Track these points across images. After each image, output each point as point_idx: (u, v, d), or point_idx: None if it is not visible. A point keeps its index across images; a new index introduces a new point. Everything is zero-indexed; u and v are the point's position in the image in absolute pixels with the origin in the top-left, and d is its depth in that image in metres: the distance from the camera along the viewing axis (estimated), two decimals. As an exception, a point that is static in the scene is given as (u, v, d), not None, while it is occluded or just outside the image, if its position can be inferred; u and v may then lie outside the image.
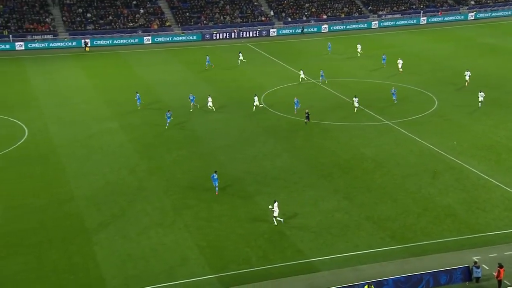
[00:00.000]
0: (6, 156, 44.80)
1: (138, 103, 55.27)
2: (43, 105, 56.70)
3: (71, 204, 38.09)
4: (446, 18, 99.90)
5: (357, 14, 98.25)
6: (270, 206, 35.83)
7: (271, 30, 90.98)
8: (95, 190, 39.78)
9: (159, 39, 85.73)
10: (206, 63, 70.28)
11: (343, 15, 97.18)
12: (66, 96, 59.58)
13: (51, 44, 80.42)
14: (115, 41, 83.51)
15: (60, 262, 31.87)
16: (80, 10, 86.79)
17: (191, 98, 55.38)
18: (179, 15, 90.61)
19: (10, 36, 79.54)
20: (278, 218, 35.84)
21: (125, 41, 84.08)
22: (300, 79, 64.07)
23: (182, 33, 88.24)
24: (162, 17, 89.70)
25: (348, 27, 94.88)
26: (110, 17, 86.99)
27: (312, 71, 67.22)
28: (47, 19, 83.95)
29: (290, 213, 37.21)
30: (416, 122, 52.55)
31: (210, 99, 55.70)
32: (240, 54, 72.42)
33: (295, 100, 54.61)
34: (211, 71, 69.74)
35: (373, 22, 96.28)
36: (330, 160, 44.99)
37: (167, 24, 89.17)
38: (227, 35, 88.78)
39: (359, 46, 76.49)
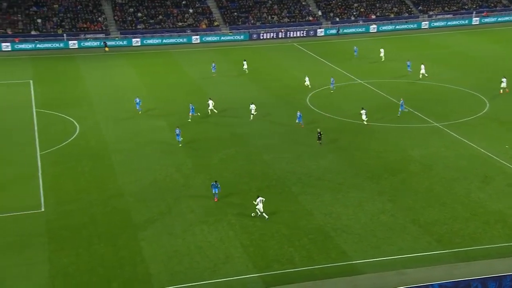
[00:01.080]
0: (58, 152, 46.17)
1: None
2: (95, 102, 58.15)
3: (119, 199, 38.96)
4: (500, 19, 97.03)
5: (407, 14, 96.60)
6: (254, 202, 36.31)
7: (318, 30, 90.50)
8: (142, 186, 40.53)
9: (207, 39, 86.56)
10: (213, 70, 67.16)
11: (392, 15, 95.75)
12: (116, 94, 60.91)
13: (103, 43, 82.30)
14: (164, 40, 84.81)
15: (108, 256, 32.65)
16: (132, 9, 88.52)
17: (191, 107, 52.78)
18: (227, 15, 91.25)
19: (64, 34, 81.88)
20: (263, 214, 36.07)
21: (174, 40, 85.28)
22: (305, 85, 62.21)
23: (230, 32, 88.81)
24: (211, 16, 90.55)
25: (397, 27, 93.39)
26: (160, 17, 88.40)
27: (361, 72, 66.50)
28: (99, 18, 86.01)
29: (334, 214, 36.99)
30: (467, 125, 51.32)
31: (211, 102, 54.48)
32: (245, 63, 68.14)
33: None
34: (256, 71, 69.92)
35: (423, 23, 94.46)
36: (376, 162, 44.45)
37: (215, 23, 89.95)
38: (274, 35, 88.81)
39: (382, 51, 73.94)
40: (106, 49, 79.74)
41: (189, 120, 52.00)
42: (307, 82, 61.73)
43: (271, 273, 31.34)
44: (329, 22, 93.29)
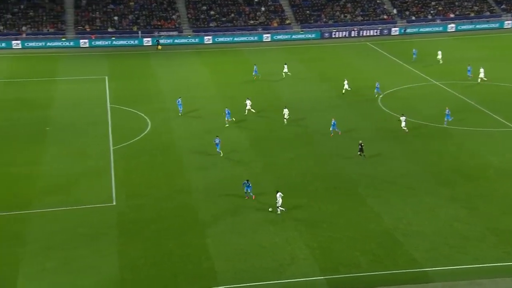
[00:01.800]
0: (131, 147, 47.63)
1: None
2: (166, 99, 59.53)
3: (187, 195, 39.71)
4: None
5: (489, 13, 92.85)
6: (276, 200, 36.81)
7: (393, 29, 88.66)
8: (210, 183, 41.12)
9: (278, 37, 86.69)
10: (254, 73, 65.13)
11: (472, 14, 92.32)
12: (187, 91, 62.07)
13: (175, 40, 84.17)
14: (235, 38, 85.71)
15: (175, 251, 33.35)
16: (204, 7, 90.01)
17: (226, 112, 51.64)
18: (299, 13, 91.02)
19: (139, 32, 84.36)
20: (280, 208, 36.47)
21: (245, 38, 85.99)
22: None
23: (301, 31, 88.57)
24: (282, 15, 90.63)
25: (477, 26, 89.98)
26: (232, 15, 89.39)
27: (437, 73, 64.59)
28: (173, 16, 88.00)
29: (404, 219, 36.15)
30: (550, 130, 48.78)
31: (248, 102, 54.10)
32: (285, 66, 65.51)
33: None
34: (327, 70, 69.39)
35: (506, 22, 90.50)
36: (450, 166, 43.05)
37: (287, 22, 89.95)
38: (347, 34, 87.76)
39: (439, 53, 70.88)
40: (159, 47, 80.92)
41: (227, 125, 50.91)
42: (346, 86, 59.63)
43: (337, 277, 31.03)
44: (405, 20, 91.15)
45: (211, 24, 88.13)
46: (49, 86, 63.38)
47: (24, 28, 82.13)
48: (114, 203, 38.60)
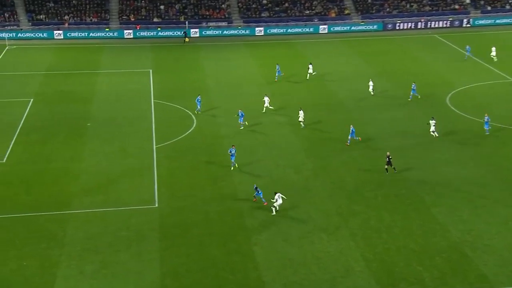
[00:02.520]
0: (175, 146, 48.32)
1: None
2: (213, 94, 60.11)
3: (233, 199, 39.96)
4: None
5: None
6: (272, 200, 37.45)
7: (464, 20, 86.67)
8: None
9: (336, 28, 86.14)
10: (277, 74, 63.28)
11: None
12: (236, 86, 62.51)
13: (224, 32, 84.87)
14: (289, 30, 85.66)
15: (220, 258, 33.62)
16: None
17: (240, 114, 51.06)
18: (360, 3, 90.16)
19: (186, 22, 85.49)
20: (274, 206, 37.36)
21: (299, 29, 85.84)
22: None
23: (362, 22, 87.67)
24: (341, 4, 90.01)
25: None
26: (286, 4, 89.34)
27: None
28: (223, 5, 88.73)
29: (474, 232, 35.32)
30: None
31: (267, 99, 54.07)
32: (310, 67, 63.65)
33: None
34: (392, 65, 68.50)
35: None
36: (527, 174, 41.77)
37: (346, 12, 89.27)
38: (413, 25, 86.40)
39: (493, 49, 68.24)
40: (186, 40, 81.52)
41: (241, 128, 50.41)
42: (371, 88, 58.19)
43: (396, 293, 30.59)
44: (479, 11, 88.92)
45: (263, 14, 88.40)
46: (91, 79, 65.08)
47: (66, 17, 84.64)
48: (156, 205, 39.25)
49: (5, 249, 34.29)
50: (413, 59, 71.60)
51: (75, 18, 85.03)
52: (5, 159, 45.60)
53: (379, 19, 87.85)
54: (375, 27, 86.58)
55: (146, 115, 54.37)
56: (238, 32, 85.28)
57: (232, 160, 43.50)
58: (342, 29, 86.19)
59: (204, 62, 71.95)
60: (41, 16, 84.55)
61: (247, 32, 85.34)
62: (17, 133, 50.14)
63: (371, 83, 58.44)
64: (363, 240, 34.99)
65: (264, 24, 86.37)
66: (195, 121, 52.91)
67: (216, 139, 49.36)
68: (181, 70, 69.00)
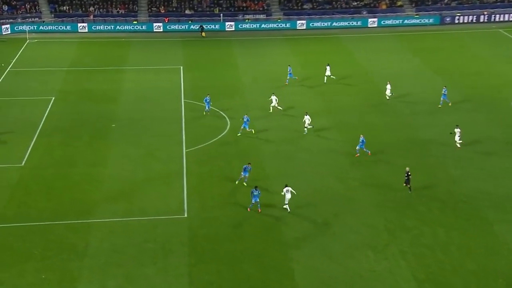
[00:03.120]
0: (206, 150, 48.58)
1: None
2: (249, 94, 60.26)
3: (269, 210, 39.95)
4: None
5: None
6: (282, 193, 38.74)
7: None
8: (297, 196, 41.12)
9: (387, 22, 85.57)
10: (288, 77, 62.39)
11: None
12: (274, 85, 62.49)
13: (262, 25, 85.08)
14: (334, 23, 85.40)
15: (254, 275, 33.65)
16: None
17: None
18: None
19: (221, 15, 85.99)
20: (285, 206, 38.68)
21: (346, 23, 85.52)
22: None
23: (416, 15, 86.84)
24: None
25: None
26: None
27: None
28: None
29: (540, 253, 34.59)
30: None
31: (274, 98, 54.34)
32: (328, 68, 62.52)
33: None
34: (450, 63, 67.69)
35: None
36: None
37: (398, 3, 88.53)
38: (474, 19, 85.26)
39: None
40: (203, 34, 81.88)
41: (239, 134, 50.05)
42: (388, 91, 57.22)
43: (451, 319, 30.18)
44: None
45: (305, 6, 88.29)
46: (116, 76, 65.98)
47: (91, 8, 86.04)
48: (185, 215, 39.52)
49: (23, 260, 34.94)
50: (474, 57, 70.69)
51: (101, 10, 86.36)
52: (23, 162, 46.51)
53: (435, 12, 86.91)
54: (431, 20, 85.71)
55: (176, 116, 54.82)
56: (277, 25, 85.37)
57: (245, 176, 42.47)
58: (394, 23, 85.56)
59: (239, 58, 72.21)
60: (65, 7, 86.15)
61: (288, 25, 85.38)
62: (36, 134, 51.13)
63: (388, 86, 57.29)
64: (414, 258, 34.62)
65: (306, 16, 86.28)
66: (228, 123, 53.12)
67: (252, 143, 49.43)
68: (214, 66, 69.40)
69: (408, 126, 51.97)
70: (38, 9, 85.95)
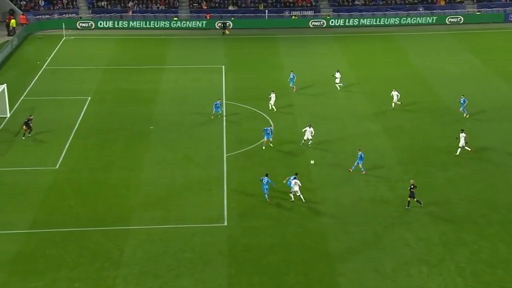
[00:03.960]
0: (249, 154, 48.67)
1: None
2: (294, 96, 60.14)
3: (315, 219, 39.85)
4: None
5: None
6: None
7: None
8: (344, 206, 40.96)
9: (445, 19, 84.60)
10: (291, 84, 61.51)
11: None
12: (322, 86, 62.33)
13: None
14: (388, 20, 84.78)
15: (298, 289, 33.60)
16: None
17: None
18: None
19: (266, 11, 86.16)
20: (298, 195, 40.20)
21: (400, 20, 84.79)
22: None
23: (477, 12, 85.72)
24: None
25: None
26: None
27: None
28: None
29: None
30: None
31: (273, 95, 55.60)
32: (337, 75, 61.48)
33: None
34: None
35: None
36: None
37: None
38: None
39: None
40: (226, 31, 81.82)
41: (263, 147, 49.18)
42: (395, 99, 55.69)
43: None
44: None
45: (356, 2, 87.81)
46: (155, 75, 66.69)
47: (130, 4, 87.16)
48: (225, 224, 39.65)
49: (55, 268, 35.48)
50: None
51: (140, 6, 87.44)
52: (58, 165, 47.32)
53: (500, 8, 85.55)
54: (494, 17, 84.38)
55: (216, 118, 55.09)
56: (325, 23, 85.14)
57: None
58: (454, 20, 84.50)
59: (285, 58, 72.22)
60: (103, 2, 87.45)
61: (338, 23, 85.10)
62: (72, 136, 51.99)
63: (396, 93, 55.87)
64: (472, 276, 34.14)
65: (357, 13, 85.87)
66: (272, 126, 53.12)
67: (296, 148, 49.38)
68: (257, 66, 69.59)
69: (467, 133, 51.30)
70: (76, 4, 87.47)
